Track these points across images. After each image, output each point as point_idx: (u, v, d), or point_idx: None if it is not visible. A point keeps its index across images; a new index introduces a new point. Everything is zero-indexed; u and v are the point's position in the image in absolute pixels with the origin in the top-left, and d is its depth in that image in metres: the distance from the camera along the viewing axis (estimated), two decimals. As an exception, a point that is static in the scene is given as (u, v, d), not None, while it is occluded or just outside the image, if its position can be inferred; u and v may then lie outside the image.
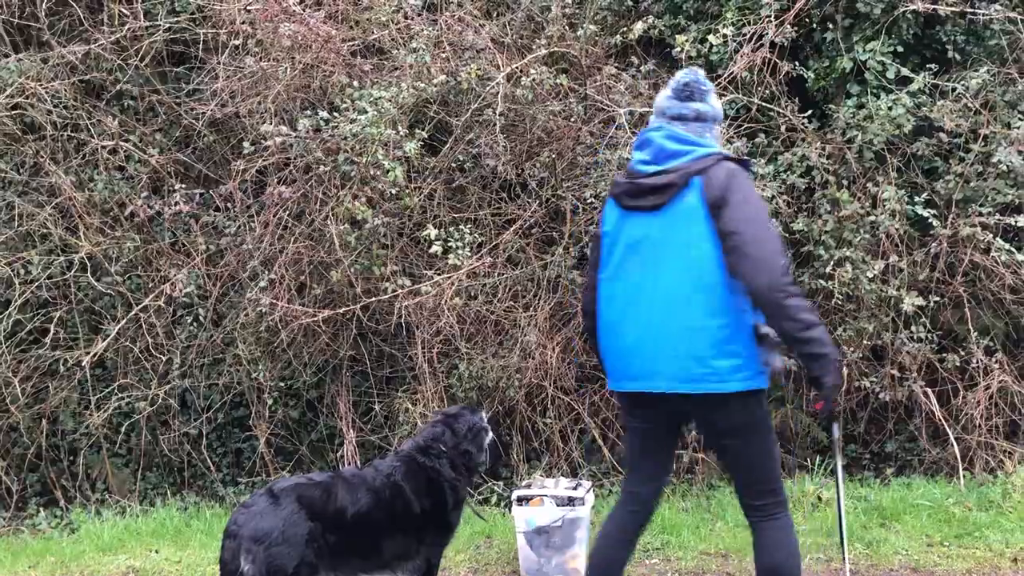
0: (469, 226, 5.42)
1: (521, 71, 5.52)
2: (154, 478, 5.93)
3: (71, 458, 5.90)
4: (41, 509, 5.74)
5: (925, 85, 5.43)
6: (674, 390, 3.01)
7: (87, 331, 5.83)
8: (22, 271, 5.65)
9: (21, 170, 5.85)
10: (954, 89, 5.48)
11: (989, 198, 5.39)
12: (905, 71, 5.52)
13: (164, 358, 5.67)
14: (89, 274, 5.70)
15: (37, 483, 5.92)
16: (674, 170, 3.02)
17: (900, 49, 5.57)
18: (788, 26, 5.47)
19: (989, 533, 4.66)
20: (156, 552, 4.95)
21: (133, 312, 5.61)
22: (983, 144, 5.41)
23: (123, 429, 5.75)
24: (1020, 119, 5.37)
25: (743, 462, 3.13)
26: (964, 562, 4.42)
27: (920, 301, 5.25)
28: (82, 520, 5.46)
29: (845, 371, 5.42)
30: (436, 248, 5.18)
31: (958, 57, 5.67)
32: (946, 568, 4.37)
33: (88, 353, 5.53)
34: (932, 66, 5.52)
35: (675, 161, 3.04)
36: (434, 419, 3.88)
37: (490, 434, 3.94)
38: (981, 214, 5.36)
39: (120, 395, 5.66)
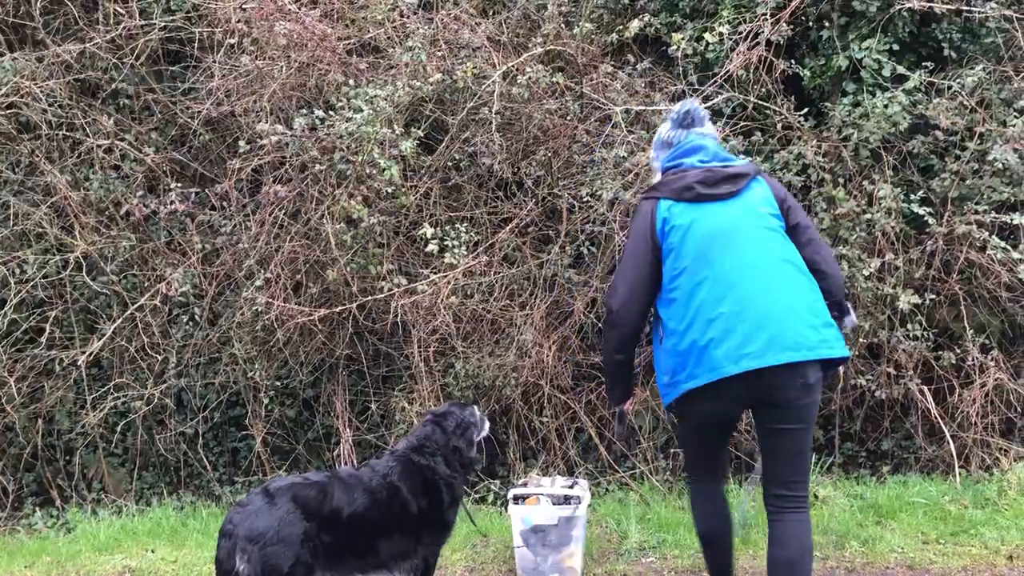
0: (465, 225, 5.41)
1: (517, 69, 5.52)
2: (150, 477, 5.93)
3: (67, 458, 5.89)
4: (37, 509, 5.73)
5: (921, 83, 5.44)
6: (801, 358, 3.06)
7: (83, 330, 5.82)
8: (17, 270, 5.64)
9: (16, 169, 5.83)
10: (950, 87, 5.48)
11: (985, 196, 5.39)
12: (901, 69, 5.52)
13: (160, 357, 5.66)
14: (85, 273, 5.68)
15: (33, 483, 5.91)
16: (738, 165, 3.30)
17: (896, 47, 5.57)
18: (784, 24, 5.47)
19: (985, 531, 4.66)
20: (152, 552, 4.95)
21: (129, 311, 5.60)
22: (979, 142, 5.41)
23: (119, 428, 5.74)
24: (1016, 117, 5.38)
25: (795, 448, 3.20)
26: (960, 559, 4.42)
27: (916, 299, 5.26)
28: (78, 520, 5.45)
29: (841, 369, 5.43)
30: (432, 247, 5.18)
31: (954, 55, 5.67)
32: (942, 566, 4.37)
33: (84, 352, 5.52)
34: (928, 64, 5.52)
35: (729, 163, 3.33)
36: (424, 419, 3.90)
37: (486, 427, 3.99)
38: (977, 212, 5.37)
39: (116, 395, 5.65)
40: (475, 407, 4.01)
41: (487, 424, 4.03)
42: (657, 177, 3.44)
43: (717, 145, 3.41)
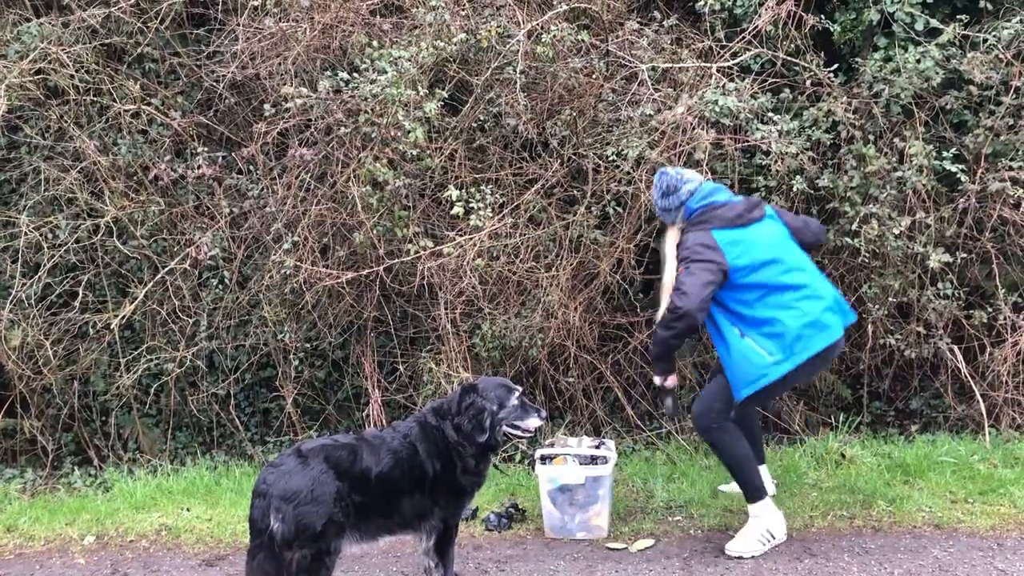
0: (490, 186, 5.40)
1: (542, 28, 5.45)
2: (184, 438, 6.04)
3: (103, 418, 6.01)
4: (76, 468, 5.86)
5: (955, 36, 5.32)
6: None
7: (115, 294, 5.90)
8: (50, 235, 5.72)
9: (46, 135, 5.88)
10: (985, 40, 5.36)
11: (1020, 152, 5.30)
12: (934, 22, 5.40)
13: (191, 320, 5.74)
14: (115, 238, 5.75)
15: (71, 442, 6.04)
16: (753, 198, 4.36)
17: (929, 0, 5.44)
18: (814, -22, 5.36)
19: (1014, 490, 4.65)
20: (188, 510, 5.06)
21: (160, 275, 5.66)
22: (1015, 96, 5.30)
23: (152, 390, 5.85)
24: (1053, 70, 5.25)
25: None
26: (988, 519, 4.41)
27: (947, 258, 5.20)
28: (115, 479, 5.57)
29: (870, 328, 5.41)
30: (457, 209, 5.17)
31: (990, 6, 5.52)
32: (969, 525, 4.37)
33: (116, 316, 5.60)
34: (963, 16, 5.39)
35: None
36: (460, 385, 3.90)
37: (530, 422, 3.80)
38: (1011, 168, 5.28)
39: (149, 357, 5.73)
40: (513, 397, 3.77)
41: (532, 420, 3.79)
42: (679, 225, 4.31)
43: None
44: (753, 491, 4.27)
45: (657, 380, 4.32)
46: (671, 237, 4.34)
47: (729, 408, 4.22)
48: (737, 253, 4.05)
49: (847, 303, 4.29)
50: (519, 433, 3.81)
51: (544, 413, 3.89)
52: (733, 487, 4.60)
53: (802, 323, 4.03)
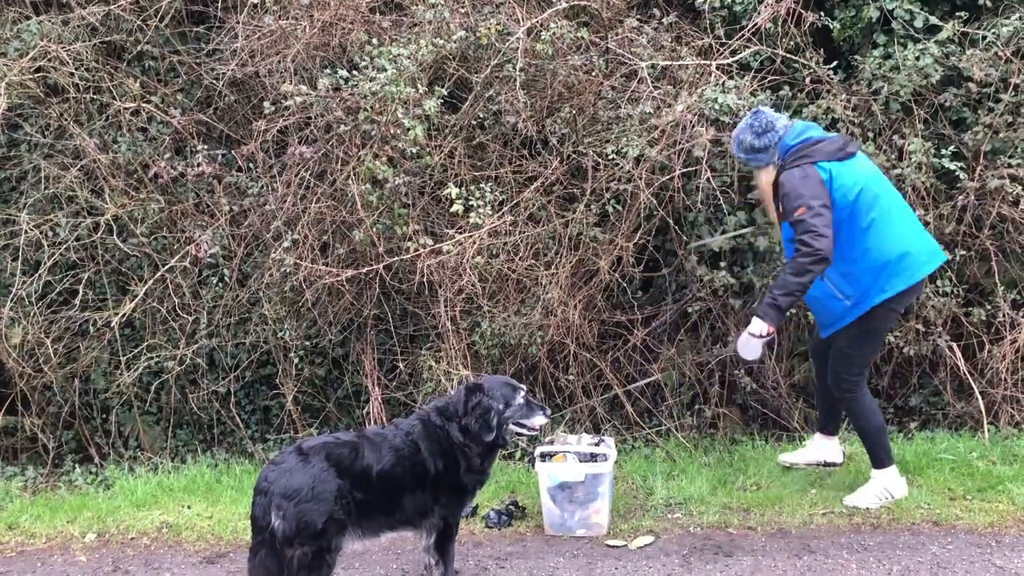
0: (490, 184, 5.40)
1: (541, 25, 5.45)
2: (184, 435, 6.04)
3: (104, 416, 6.01)
4: (77, 465, 5.85)
5: (954, 33, 5.33)
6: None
7: (115, 292, 5.90)
8: (50, 233, 5.72)
9: (46, 132, 5.88)
10: (984, 37, 5.37)
11: (1019, 149, 5.31)
12: (934, 19, 5.41)
13: (191, 318, 5.73)
14: (115, 235, 5.75)
15: (72, 440, 6.04)
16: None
17: (929, -4, 5.46)
18: (813, -25, 5.37)
19: (1013, 487, 4.66)
20: (188, 507, 5.07)
21: (160, 273, 5.66)
22: (1014, 94, 5.31)
23: (153, 388, 5.84)
24: (1053, 67, 5.26)
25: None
26: (987, 516, 4.43)
27: (946, 255, 5.19)
28: (116, 476, 5.58)
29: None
30: (457, 207, 5.18)
31: (989, 4, 5.53)
32: (968, 522, 4.39)
33: (117, 314, 5.60)
34: (962, 14, 5.41)
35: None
36: (464, 384, 3.90)
37: (535, 420, 3.83)
38: (1010, 166, 5.29)
39: (149, 355, 5.73)
40: (519, 396, 3.79)
41: (538, 418, 3.82)
42: (774, 164, 4.30)
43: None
44: (877, 460, 4.56)
45: (765, 329, 4.23)
46: (765, 179, 4.38)
47: (857, 375, 4.43)
48: (834, 187, 4.11)
49: (931, 249, 4.38)
50: (525, 431, 3.86)
51: (548, 411, 3.93)
52: (794, 456, 4.95)
53: (873, 273, 4.18)
